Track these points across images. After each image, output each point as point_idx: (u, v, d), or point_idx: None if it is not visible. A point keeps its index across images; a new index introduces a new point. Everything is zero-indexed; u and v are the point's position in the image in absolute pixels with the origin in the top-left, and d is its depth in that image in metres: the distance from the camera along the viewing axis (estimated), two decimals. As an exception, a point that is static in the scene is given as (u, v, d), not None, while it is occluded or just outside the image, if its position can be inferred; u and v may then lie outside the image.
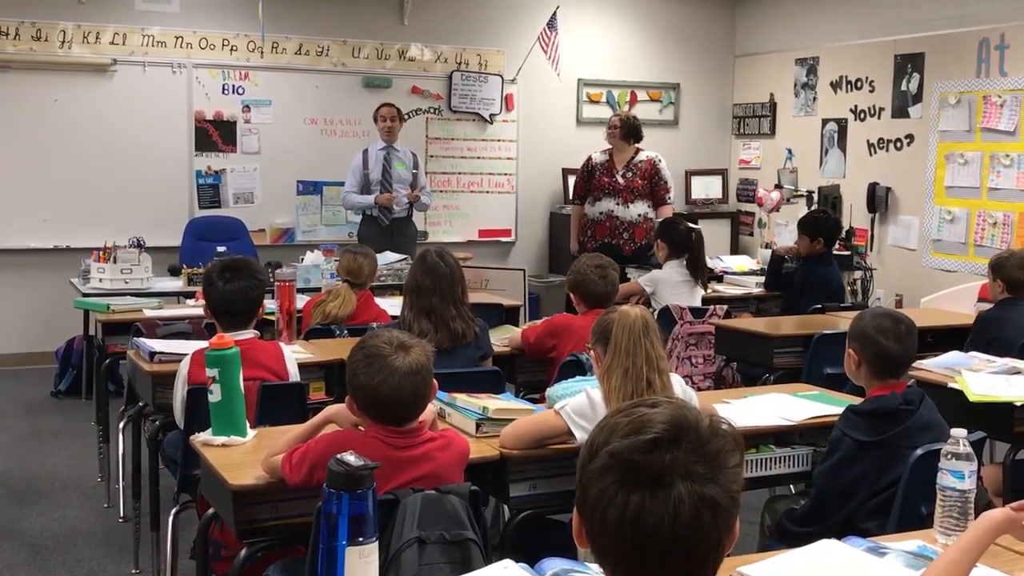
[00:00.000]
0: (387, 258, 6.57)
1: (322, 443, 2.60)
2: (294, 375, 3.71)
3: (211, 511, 2.92)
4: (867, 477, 2.87)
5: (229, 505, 2.68)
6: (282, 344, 3.90)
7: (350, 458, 1.76)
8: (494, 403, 3.13)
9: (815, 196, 8.38)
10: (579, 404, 2.99)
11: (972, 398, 3.65)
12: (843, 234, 7.70)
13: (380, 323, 4.70)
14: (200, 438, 2.97)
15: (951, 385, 3.85)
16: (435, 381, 2.69)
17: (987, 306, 5.19)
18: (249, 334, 3.67)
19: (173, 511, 3.60)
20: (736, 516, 1.36)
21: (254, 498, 2.70)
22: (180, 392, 3.55)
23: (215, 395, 2.93)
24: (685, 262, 5.79)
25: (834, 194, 8.42)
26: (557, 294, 8.71)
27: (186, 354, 3.70)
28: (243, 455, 2.88)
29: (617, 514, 1.31)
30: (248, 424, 3.07)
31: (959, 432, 2.31)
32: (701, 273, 5.86)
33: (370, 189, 7.39)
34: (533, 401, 3.87)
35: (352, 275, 4.94)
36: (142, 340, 4.23)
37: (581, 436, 2.90)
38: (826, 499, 2.93)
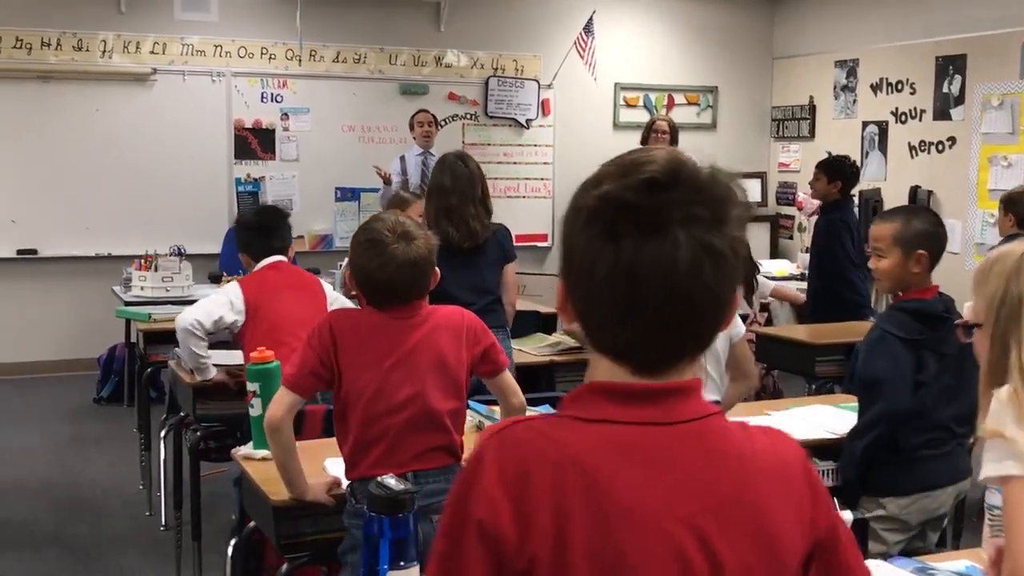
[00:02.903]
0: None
1: (321, 325, 2.62)
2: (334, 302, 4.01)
3: (251, 524, 2.93)
4: (903, 370, 3.01)
5: (270, 520, 2.69)
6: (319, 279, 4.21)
7: (391, 481, 1.75)
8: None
9: (856, 199, 8.28)
10: None
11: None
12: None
13: None
14: (241, 452, 2.99)
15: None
16: (437, 271, 2.69)
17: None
18: (279, 258, 4.04)
19: (233, 542, 3.44)
20: (737, 279, 1.20)
21: (295, 512, 2.70)
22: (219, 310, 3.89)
23: (256, 409, 2.94)
24: None
25: (875, 197, 8.32)
26: (595, 299, 8.67)
27: (224, 364, 4.00)
28: (283, 469, 2.89)
29: (607, 267, 1.15)
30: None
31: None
32: (748, 291, 5.75)
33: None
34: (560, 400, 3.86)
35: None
36: (183, 350, 4.25)
37: None
38: (869, 390, 3.05)
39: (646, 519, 1.17)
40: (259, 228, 4.13)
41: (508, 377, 2.80)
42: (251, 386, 2.95)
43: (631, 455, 1.18)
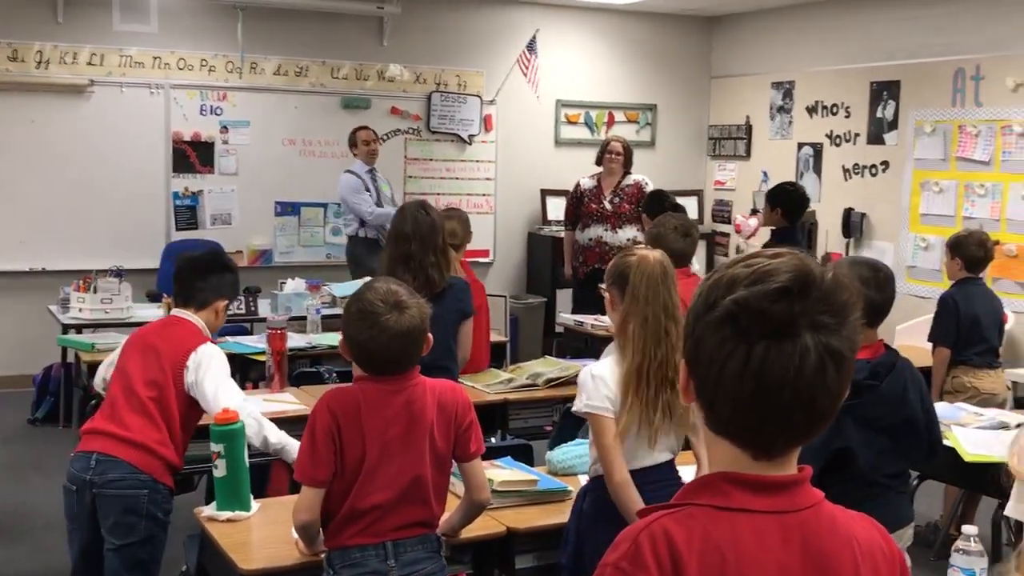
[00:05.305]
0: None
1: (319, 410, 2.61)
2: (194, 374, 3.31)
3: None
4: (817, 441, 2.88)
5: (238, 587, 2.68)
6: (205, 347, 3.41)
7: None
8: (499, 475, 3.14)
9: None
10: (586, 389, 2.84)
11: (967, 458, 3.70)
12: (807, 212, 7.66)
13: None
14: (205, 513, 2.97)
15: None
16: (431, 337, 2.69)
17: None
18: (187, 315, 3.46)
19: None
20: (853, 371, 1.32)
21: (263, 579, 2.70)
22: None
23: (220, 470, 2.92)
24: None
25: (810, 219, 8.48)
26: (536, 315, 8.73)
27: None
28: (248, 533, 2.88)
29: (739, 365, 1.26)
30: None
31: (970, 529, 2.34)
32: None
33: None
34: (523, 447, 3.88)
35: (451, 237, 4.87)
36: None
37: (605, 405, 2.81)
38: None
39: None
40: (179, 274, 3.57)
41: (479, 467, 2.77)
42: (215, 447, 2.93)
43: (767, 542, 1.29)
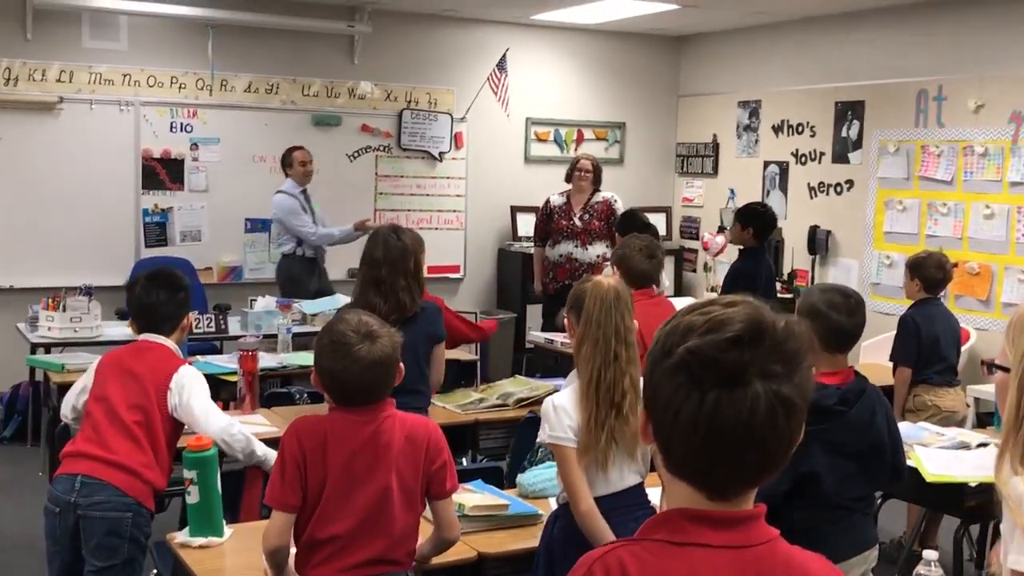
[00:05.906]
0: (332, 303, 6.48)
1: (288, 437, 2.63)
2: (178, 397, 3.38)
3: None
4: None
5: (212, 614, 2.70)
6: (184, 369, 3.48)
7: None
8: (470, 499, 3.17)
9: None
10: (549, 420, 2.92)
11: (929, 478, 3.77)
12: (778, 238, 7.79)
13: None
14: (178, 539, 2.99)
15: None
16: (402, 367, 2.73)
17: None
18: (158, 339, 3.52)
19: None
20: (804, 418, 1.36)
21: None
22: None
23: (193, 497, 2.94)
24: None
25: (776, 237, 8.58)
26: (506, 331, 8.77)
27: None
28: (222, 559, 2.91)
29: (692, 411, 1.30)
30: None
31: (930, 554, 2.40)
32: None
33: None
34: (494, 470, 3.92)
35: None
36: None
37: (568, 436, 2.88)
38: None
39: None
40: (141, 305, 3.57)
41: (450, 507, 2.79)
42: (188, 473, 2.95)
43: None
